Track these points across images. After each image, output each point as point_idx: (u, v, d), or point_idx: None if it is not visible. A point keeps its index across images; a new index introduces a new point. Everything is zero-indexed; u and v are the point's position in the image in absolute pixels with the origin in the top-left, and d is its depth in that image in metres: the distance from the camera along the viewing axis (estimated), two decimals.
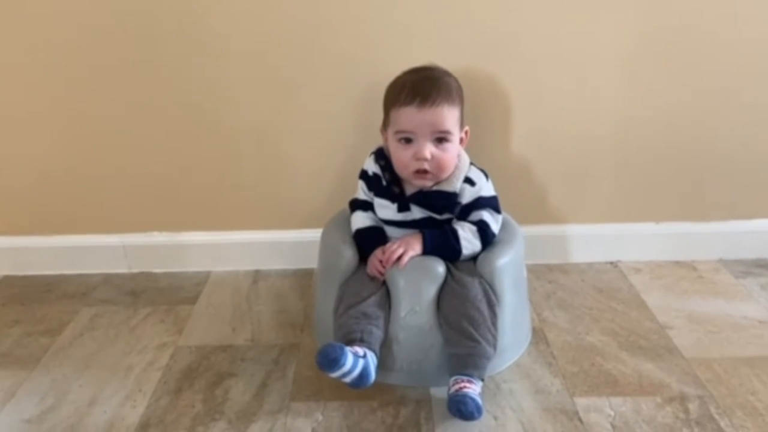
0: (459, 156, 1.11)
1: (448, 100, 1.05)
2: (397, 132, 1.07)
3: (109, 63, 1.30)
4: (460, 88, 1.09)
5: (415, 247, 1.07)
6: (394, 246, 1.07)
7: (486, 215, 1.11)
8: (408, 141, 1.07)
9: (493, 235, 1.11)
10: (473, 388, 0.95)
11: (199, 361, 1.15)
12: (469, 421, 0.94)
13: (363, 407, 1.01)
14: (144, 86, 1.32)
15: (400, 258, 1.05)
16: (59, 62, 1.30)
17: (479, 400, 0.94)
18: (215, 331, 1.24)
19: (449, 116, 1.05)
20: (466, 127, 1.12)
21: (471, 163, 1.14)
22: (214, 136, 1.36)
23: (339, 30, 1.27)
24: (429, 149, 1.05)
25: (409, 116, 1.05)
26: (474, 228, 1.10)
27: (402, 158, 1.08)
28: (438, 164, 1.07)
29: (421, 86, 1.05)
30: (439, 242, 1.09)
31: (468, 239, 1.09)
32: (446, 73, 1.09)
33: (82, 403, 1.05)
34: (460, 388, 0.95)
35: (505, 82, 1.30)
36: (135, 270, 1.49)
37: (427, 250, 1.08)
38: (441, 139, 1.06)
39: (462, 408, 0.92)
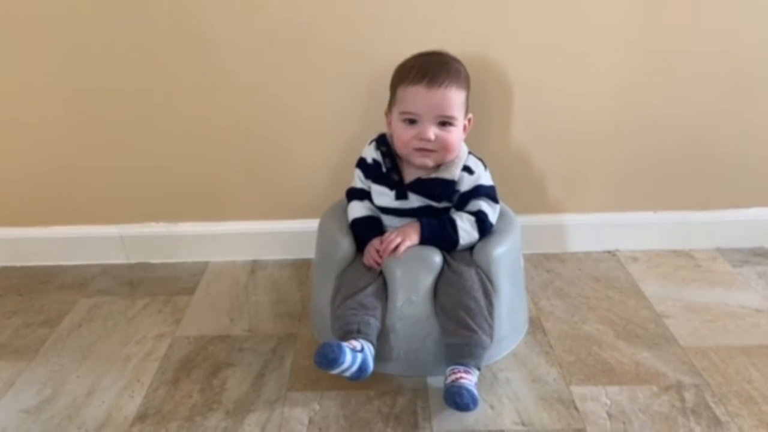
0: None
1: (457, 83, 1.05)
2: (402, 113, 1.07)
3: (107, 55, 1.29)
4: (467, 75, 1.09)
5: (413, 236, 1.07)
6: (392, 236, 1.07)
7: (484, 205, 1.10)
8: (412, 122, 1.07)
9: (491, 225, 1.11)
10: (469, 379, 0.96)
11: (196, 352, 1.15)
12: (465, 412, 0.94)
13: (360, 397, 1.02)
14: (141, 77, 1.31)
15: (397, 248, 1.05)
16: (56, 54, 1.29)
17: (475, 391, 0.94)
18: (213, 321, 1.24)
19: (456, 99, 1.05)
20: (470, 115, 1.11)
21: (469, 152, 1.13)
22: (212, 126, 1.36)
23: (339, 20, 1.25)
24: (432, 131, 1.05)
25: (416, 95, 1.04)
26: (472, 218, 1.09)
27: (403, 137, 1.07)
28: (442, 143, 1.06)
29: (430, 67, 1.05)
30: (437, 232, 1.08)
31: (466, 230, 1.08)
32: (455, 59, 1.09)
33: (80, 393, 1.05)
34: (456, 378, 0.95)
35: (504, 71, 1.30)
36: (133, 260, 1.49)
37: (425, 240, 1.07)
38: (445, 123, 1.06)
39: (458, 399, 0.92)
